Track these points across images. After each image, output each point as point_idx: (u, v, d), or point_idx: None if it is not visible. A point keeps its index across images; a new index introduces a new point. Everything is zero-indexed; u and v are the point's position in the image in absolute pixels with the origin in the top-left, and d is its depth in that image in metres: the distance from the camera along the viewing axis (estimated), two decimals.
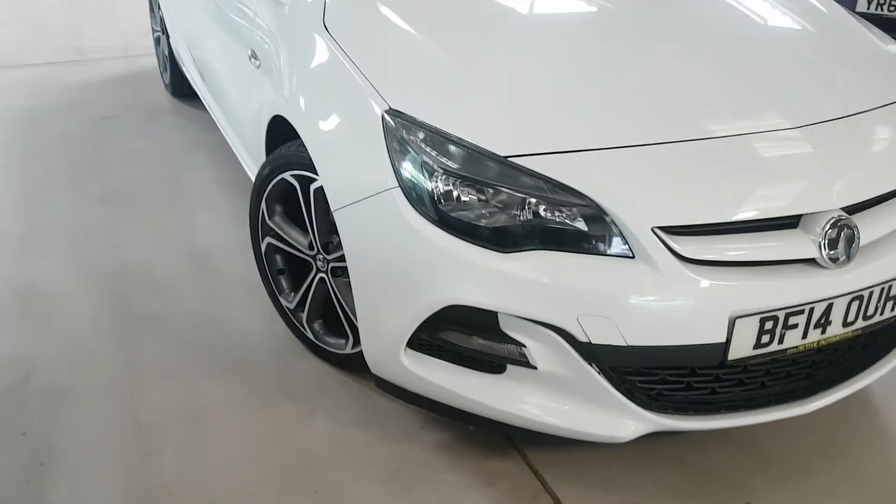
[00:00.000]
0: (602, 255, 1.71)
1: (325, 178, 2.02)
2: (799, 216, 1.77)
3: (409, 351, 1.91)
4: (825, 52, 2.27)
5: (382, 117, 1.86)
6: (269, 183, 2.29)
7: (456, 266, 1.74)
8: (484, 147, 1.76)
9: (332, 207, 1.98)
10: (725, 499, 1.97)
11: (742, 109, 1.93)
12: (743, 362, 1.79)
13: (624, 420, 1.83)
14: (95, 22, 6.26)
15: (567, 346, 1.73)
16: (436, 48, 2.06)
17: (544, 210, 1.72)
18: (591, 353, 1.74)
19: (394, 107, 1.86)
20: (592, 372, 1.77)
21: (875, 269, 1.82)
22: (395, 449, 2.10)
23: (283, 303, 2.41)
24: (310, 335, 2.36)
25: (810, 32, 2.46)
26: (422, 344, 1.90)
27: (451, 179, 1.76)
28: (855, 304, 1.82)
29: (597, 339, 1.72)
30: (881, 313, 1.88)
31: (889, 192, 1.88)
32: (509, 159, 1.74)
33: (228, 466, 2.03)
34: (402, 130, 1.82)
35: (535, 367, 1.79)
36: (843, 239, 1.76)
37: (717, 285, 1.70)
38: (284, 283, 2.42)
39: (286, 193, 2.28)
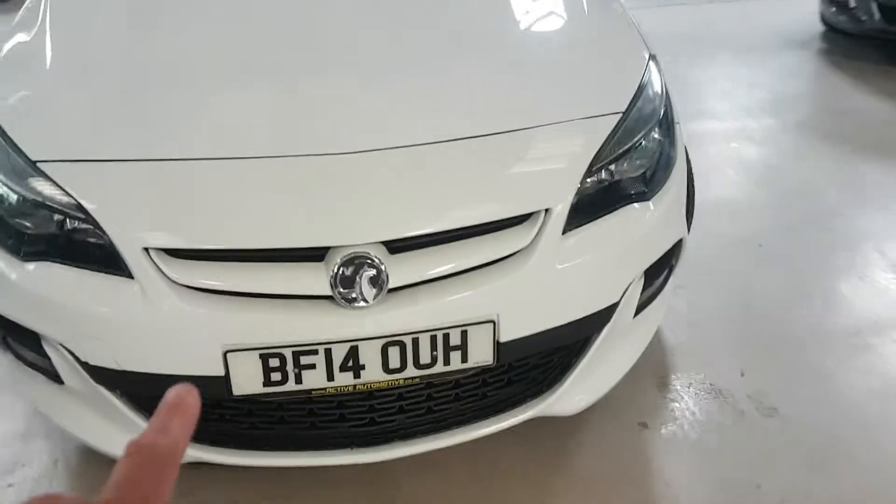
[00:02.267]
0: (106, 273, 1.65)
1: None
2: (326, 249, 1.62)
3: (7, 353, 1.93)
4: (502, 65, 2.00)
5: None
6: None
7: None
8: (22, 148, 1.73)
9: None
10: None
11: (310, 132, 1.75)
12: (255, 399, 1.67)
13: None
14: None
15: (76, 364, 1.70)
16: (43, 57, 2.01)
17: (55, 220, 1.68)
18: (95, 373, 1.69)
19: None
20: (106, 393, 1.72)
21: (415, 314, 1.62)
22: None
23: None
24: None
25: (513, 41, 2.16)
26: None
27: None
28: (395, 351, 1.64)
29: (94, 361, 1.66)
30: (446, 363, 1.67)
31: (441, 233, 1.65)
32: (37, 163, 1.70)
33: None
34: None
35: (63, 382, 1.77)
36: (363, 278, 1.59)
37: (207, 315, 1.60)
38: None
39: None
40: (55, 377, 1.78)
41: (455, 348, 1.66)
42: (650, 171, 1.89)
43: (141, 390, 1.71)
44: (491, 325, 1.66)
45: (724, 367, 2.38)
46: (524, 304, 1.70)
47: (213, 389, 1.65)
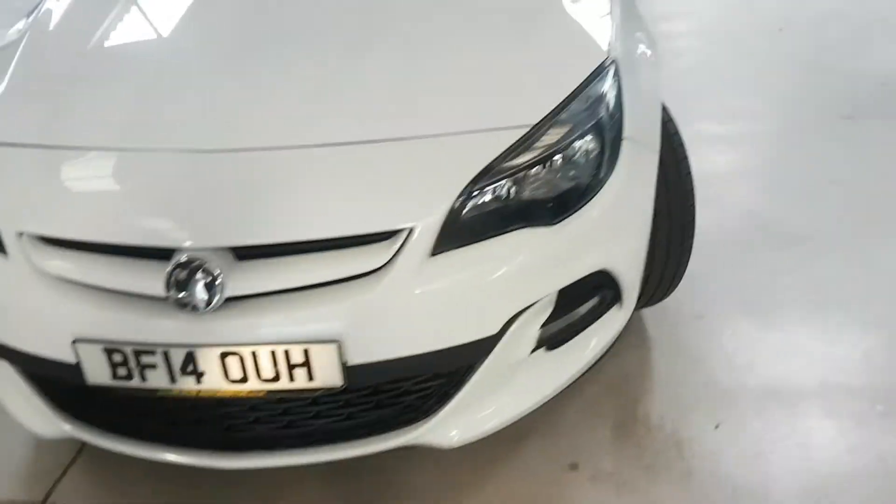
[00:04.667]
0: None
1: None
2: (173, 251, 1.59)
3: None
4: (419, 65, 1.85)
5: None
6: None
7: None
8: None
9: None
10: None
11: (177, 127, 1.75)
12: (108, 389, 1.68)
13: (44, 418, 1.83)
14: None
15: None
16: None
17: None
18: None
19: None
20: (5, 364, 1.81)
21: (254, 326, 1.56)
22: None
23: None
24: None
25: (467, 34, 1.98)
26: None
27: None
28: (234, 361, 1.58)
29: None
30: (291, 380, 1.60)
31: (290, 244, 1.57)
32: None
33: None
34: None
35: None
36: (196, 283, 1.55)
37: (59, 303, 1.62)
38: None
39: None
40: None
41: (299, 366, 1.59)
42: (562, 192, 1.69)
43: (25, 365, 1.78)
44: (335, 345, 1.56)
45: (698, 419, 2.11)
46: (375, 327, 1.58)
47: (72, 375, 1.68)
